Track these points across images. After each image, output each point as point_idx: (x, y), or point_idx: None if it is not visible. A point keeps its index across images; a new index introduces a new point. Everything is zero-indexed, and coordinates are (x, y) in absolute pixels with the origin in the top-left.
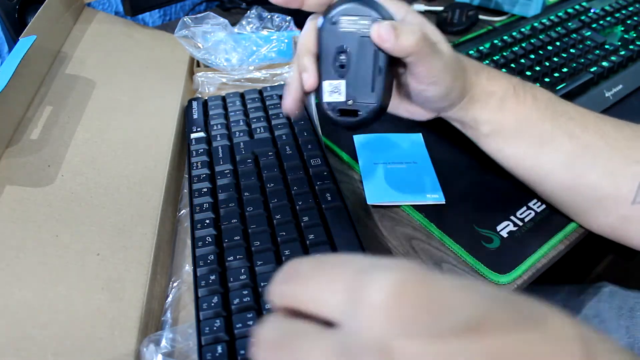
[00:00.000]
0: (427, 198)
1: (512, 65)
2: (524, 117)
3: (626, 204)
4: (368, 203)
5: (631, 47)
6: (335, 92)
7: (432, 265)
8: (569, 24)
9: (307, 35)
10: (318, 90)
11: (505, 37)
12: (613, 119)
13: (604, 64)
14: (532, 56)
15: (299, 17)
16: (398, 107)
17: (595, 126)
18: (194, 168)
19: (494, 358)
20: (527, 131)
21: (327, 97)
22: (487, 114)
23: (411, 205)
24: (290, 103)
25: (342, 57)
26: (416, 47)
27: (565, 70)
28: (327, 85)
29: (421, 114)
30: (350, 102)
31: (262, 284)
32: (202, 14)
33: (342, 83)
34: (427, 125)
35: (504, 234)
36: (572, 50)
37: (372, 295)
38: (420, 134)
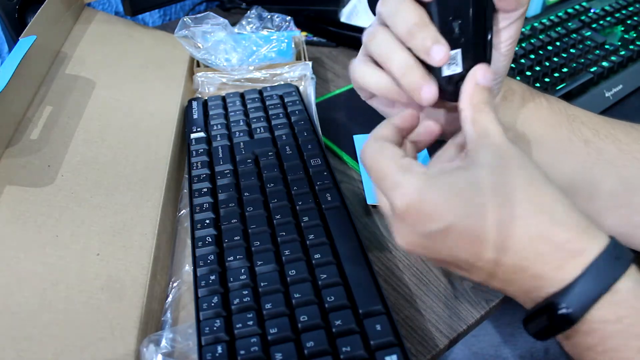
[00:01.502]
0: None
1: (512, 65)
2: (543, 120)
3: (639, 212)
4: (368, 203)
5: (631, 47)
6: (452, 64)
7: None
8: (569, 24)
9: (409, 11)
10: (431, 67)
11: None
12: (620, 122)
13: (604, 64)
14: (532, 56)
15: (299, 17)
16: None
17: (605, 130)
18: (194, 168)
19: (452, 252)
20: (548, 137)
21: (445, 71)
22: (510, 116)
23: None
24: (426, 91)
25: (455, 24)
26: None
27: (565, 70)
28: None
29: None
30: (466, 72)
31: (262, 284)
32: (202, 14)
33: (458, 52)
34: None
35: None
36: (572, 50)
37: (395, 209)
38: None
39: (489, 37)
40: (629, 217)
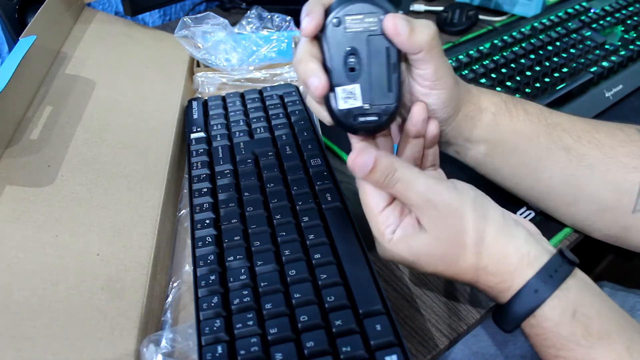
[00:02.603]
0: None
1: (512, 65)
2: (519, 133)
3: (627, 213)
4: None
5: (631, 47)
6: (350, 97)
7: None
8: (569, 24)
9: (307, 42)
10: (328, 99)
11: (505, 37)
12: (605, 124)
13: (604, 64)
14: (532, 56)
15: (299, 17)
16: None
17: (588, 135)
18: (194, 168)
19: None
20: (524, 148)
21: (342, 104)
22: (481, 132)
23: None
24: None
25: (352, 59)
26: (429, 43)
27: (565, 70)
28: (340, 91)
29: None
30: (367, 105)
31: (262, 284)
32: (202, 14)
33: (356, 87)
34: None
35: None
36: (572, 50)
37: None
38: None
39: (394, 75)
40: (617, 220)
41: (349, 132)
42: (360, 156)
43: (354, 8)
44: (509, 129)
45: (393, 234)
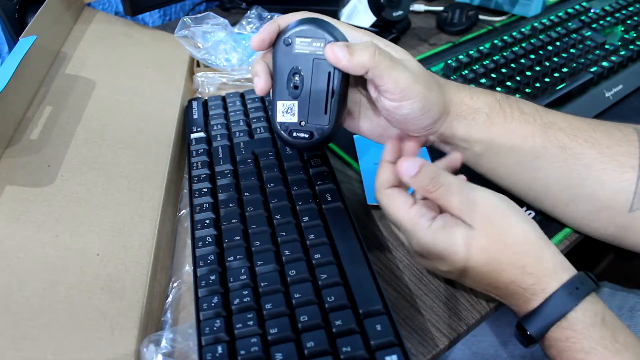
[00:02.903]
0: None
1: (512, 65)
2: (514, 132)
3: (624, 212)
4: (368, 203)
5: (631, 47)
6: (288, 112)
7: None
8: (569, 24)
9: (264, 52)
10: (272, 110)
11: (505, 37)
12: (603, 124)
13: (604, 64)
14: (532, 56)
15: None
16: (383, 135)
17: (585, 134)
18: (194, 168)
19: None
20: (519, 147)
21: (280, 117)
22: (476, 132)
23: None
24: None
25: (296, 78)
26: (372, 61)
27: (565, 70)
28: (280, 105)
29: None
30: (302, 123)
31: (262, 284)
32: (202, 14)
33: (295, 104)
34: None
35: None
36: (572, 50)
37: (413, 248)
38: None
39: (332, 98)
40: (613, 219)
41: (284, 144)
42: (407, 161)
43: (304, 31)
44: (503, 129)
45: (431, 221)
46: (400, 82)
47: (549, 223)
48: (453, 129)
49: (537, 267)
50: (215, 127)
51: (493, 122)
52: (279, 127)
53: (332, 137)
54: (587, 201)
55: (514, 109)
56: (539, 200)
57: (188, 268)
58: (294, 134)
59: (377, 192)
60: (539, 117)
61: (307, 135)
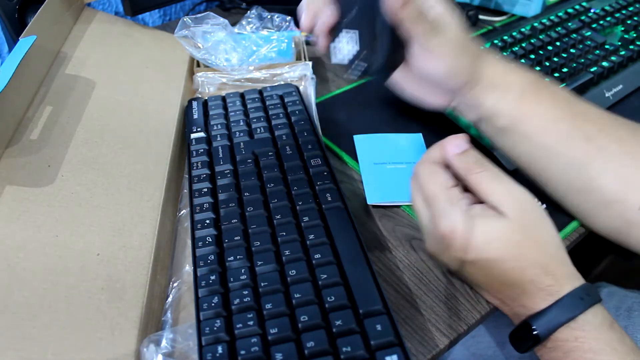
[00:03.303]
0: None
1: None
2: (543, 115)
3: (633, 209)
4: (368, 203)
5: (631, 47)
6: (350, 42)
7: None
8: (569, 24)
9: None
10: (335, 37)
11: (505, 37)
12: (629, 123)
13: (604, 64)
14: (532, 56)
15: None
16: (410, 86)
17: (610, 129)
18: (194, 168)
19: (469, 278)
20: (544, 130)
21: (343, 45)
22: (504, 107)
23: (411, 205)
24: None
25: (354, 11)
26: (403, 10)
27: (565, 70)
28: (343, 34)
29: (434, 98)
30: (364, 52)
31: (262, 284)
32: (202, 14)
33: (356, 33)
34: (427, 125)
35: None
36: (572, 50)
37: (437, 229)
38: (421, 134)
39: (386, 32)
40: (622, 213)
41: (347, 74)
42: (456, 139)
43: None
44: (532, 109)
45: (470, 206)
46: (427, 42)
47: (551, 219)
48: (481, 99)
49: (558, 269)
50: (215, 127)
51: (524, 100)
52: (340, 55)
53: (388, 72)
54: (600, 193)
55: (546, 93)
56: (553, 185)
57: (188, 268)
58: (355, 62)
59: (419, 165)
60: (570, 105)
61: (365, 64)
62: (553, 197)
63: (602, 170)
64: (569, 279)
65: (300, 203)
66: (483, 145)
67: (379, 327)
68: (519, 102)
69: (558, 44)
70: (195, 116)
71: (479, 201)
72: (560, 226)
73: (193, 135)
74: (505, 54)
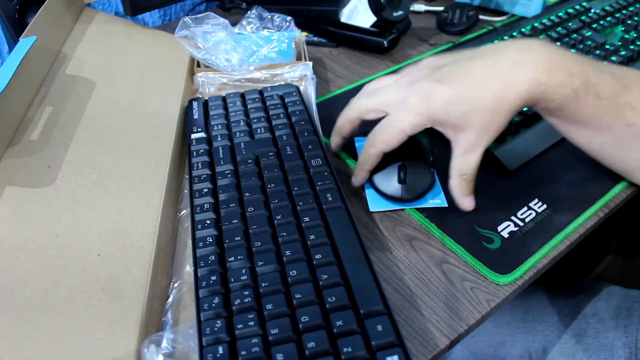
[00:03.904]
0: (429, 203)
1: None
2: (582, 114)
3: None
4: (370, 210)
5: (631, 47)
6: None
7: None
8: (569, 24)
9: None
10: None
11: (505, 37)
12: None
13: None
14: None
15: (299, 18)
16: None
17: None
18: (195, 168)
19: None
20: (586, 122)
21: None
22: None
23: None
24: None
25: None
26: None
27: None
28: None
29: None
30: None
31: (263, 284)
32: (202, 14)
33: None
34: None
35: (505, 234)
36: (572, 51)
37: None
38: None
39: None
40: None
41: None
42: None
43: None
44: (573, 112)
45: None
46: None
47: (553, 220)
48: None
49: None
50: (215, 128)
51: (564, 108)
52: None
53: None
54: (636, 161)
55: (589, 95)
56: (592, 149)
57: (189, 268)
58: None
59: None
60: (615, 99)
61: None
62: (594, 155)
63: (635, 145)
64: None
65: (301, 203)
66: None
67: (379, 327)
68: (559, 110)
69: (558, 44)
70: (196, 116)
71: None
72: (560, 227)
73: (193, 136)
74: None
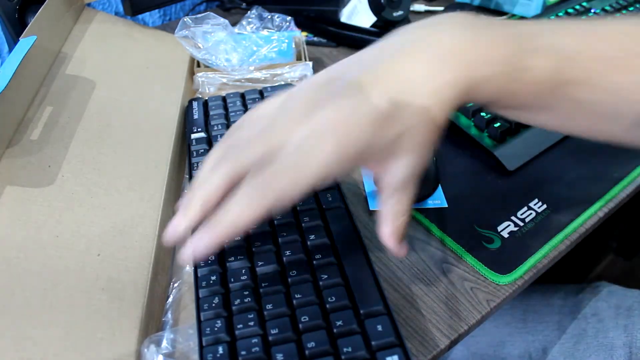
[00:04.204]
0: (430, 204)
1: None
2: (520, 103)
3: None
4: (370, 209)
5: None
6: None
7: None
8: None
9: None
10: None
11: None
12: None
13: None
14: None
15: (300, 18)
16: None
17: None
18: (195, 168)
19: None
20: (527, 109)
21: None
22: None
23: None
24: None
25: None
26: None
27: None
28: None
29: None
30: None
31: (263, 284)
32: (202, 14)
33: None
34: None
35: (505, 234)
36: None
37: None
38: None
39: None
40: None
41: None
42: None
43: None
44: (509, 102)
45: None
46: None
47: (553, 220)
48: None
49: None
50: (215, 127)
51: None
52: None
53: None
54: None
55: (523, 79)
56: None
57: (189, 268)
58: None
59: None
60: (555, 79)
61: None
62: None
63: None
64: None
65: (300, 203)
66: (483, 146)
67: (379, 327)
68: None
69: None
70: (196, 116)
71: None
72: (560, 227)
73: (193, 136)
74: None
